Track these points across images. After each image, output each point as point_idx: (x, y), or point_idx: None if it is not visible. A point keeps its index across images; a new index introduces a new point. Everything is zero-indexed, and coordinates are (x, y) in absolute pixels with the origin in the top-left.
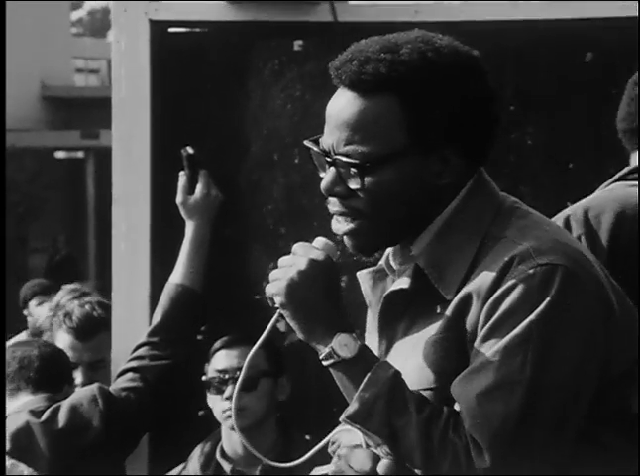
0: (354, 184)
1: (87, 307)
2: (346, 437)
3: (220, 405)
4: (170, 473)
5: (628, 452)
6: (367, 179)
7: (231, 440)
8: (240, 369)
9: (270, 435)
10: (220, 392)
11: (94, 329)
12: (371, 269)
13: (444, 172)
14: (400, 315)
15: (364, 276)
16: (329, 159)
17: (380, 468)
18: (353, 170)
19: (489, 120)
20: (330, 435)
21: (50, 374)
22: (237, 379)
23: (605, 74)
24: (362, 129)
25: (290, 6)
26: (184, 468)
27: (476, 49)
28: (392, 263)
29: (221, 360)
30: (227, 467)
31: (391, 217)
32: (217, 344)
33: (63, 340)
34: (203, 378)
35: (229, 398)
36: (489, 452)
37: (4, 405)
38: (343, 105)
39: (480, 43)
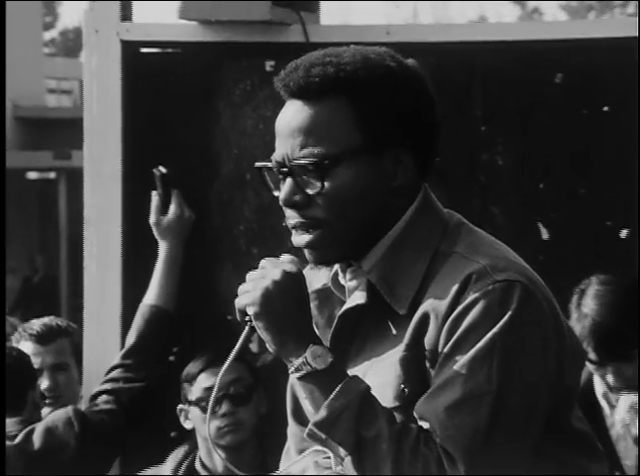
0: (312, 189)
1: (45, 319)
2: (315, 460)
3: (214, 423)
4: (145, 472)
5: (579, 465)
6: (325, 183)
7: (212, 457)
8: (231, 384)
9: (250, 452)
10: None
11: (53, 334)
12: (315, 288)
13: (397, 173)
14: (352, 334)
15: (309, 296)
16: (285, 169)
17: None
18: (311, 174)
19: (434, 121)
20: (301, 456)
21: (9, 396)
22: (229, 395)
23: (575, 95)
24: (315, 132)
25: (262, 27)
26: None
27: (447, 69)
28: (342, 280)
29: (209, 379)
30: (204, 473)
31: (350, 222)
32: (199, 364)
33: (25, 349)
34: (190, 398)
35: (225, 414)
36: (463, 462)
37: (4, 405)
38: (293, 114)
39: (451, 63)
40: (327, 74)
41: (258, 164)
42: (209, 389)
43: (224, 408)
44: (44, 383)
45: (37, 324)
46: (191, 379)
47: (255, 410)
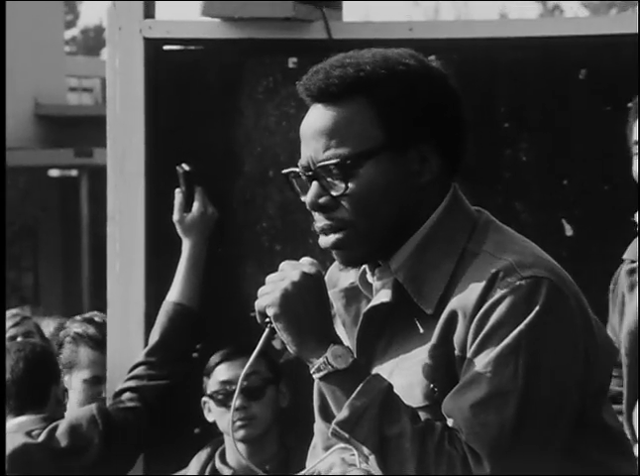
0: (337, 191)
1: (96, 318)
2: (341, 457)
3: (228, 416)
4: None
5: (607, 464)
6: (350, 184)
7: (235, 450)
8: (245, 378)
9: (271, 447)
10: (225, 404)
11: None
12: (343, 287)
13: (423, 170)
14: (378, 333)
15: (336, 294)
16: (310, 173)
17: None
18: (335, 175)
19: (458, 118)
20: (327, 453)
21: (29, 394)
22: (242, 389)
23: (599, 91)
24: (337, 134)
25: (285, 24)
26: None
27: (470, 66)
28: (370, 279)
29: (224, 372)
30: (227, 471)
31: (377, 222)
32: (216, 358)
33: (87, 357)
34: (208, 391)
35: (239, 409)
36: (489, 461)
37: (4, 405)
38: (315, 118)
39: (474, 60)
40: (347, 76)
41: (285, 170)
42: (224, 382)
43: (237, 402)
44: (103, 393)
45: (96, 328)
46: (209, 372)
47: (270, 404)
